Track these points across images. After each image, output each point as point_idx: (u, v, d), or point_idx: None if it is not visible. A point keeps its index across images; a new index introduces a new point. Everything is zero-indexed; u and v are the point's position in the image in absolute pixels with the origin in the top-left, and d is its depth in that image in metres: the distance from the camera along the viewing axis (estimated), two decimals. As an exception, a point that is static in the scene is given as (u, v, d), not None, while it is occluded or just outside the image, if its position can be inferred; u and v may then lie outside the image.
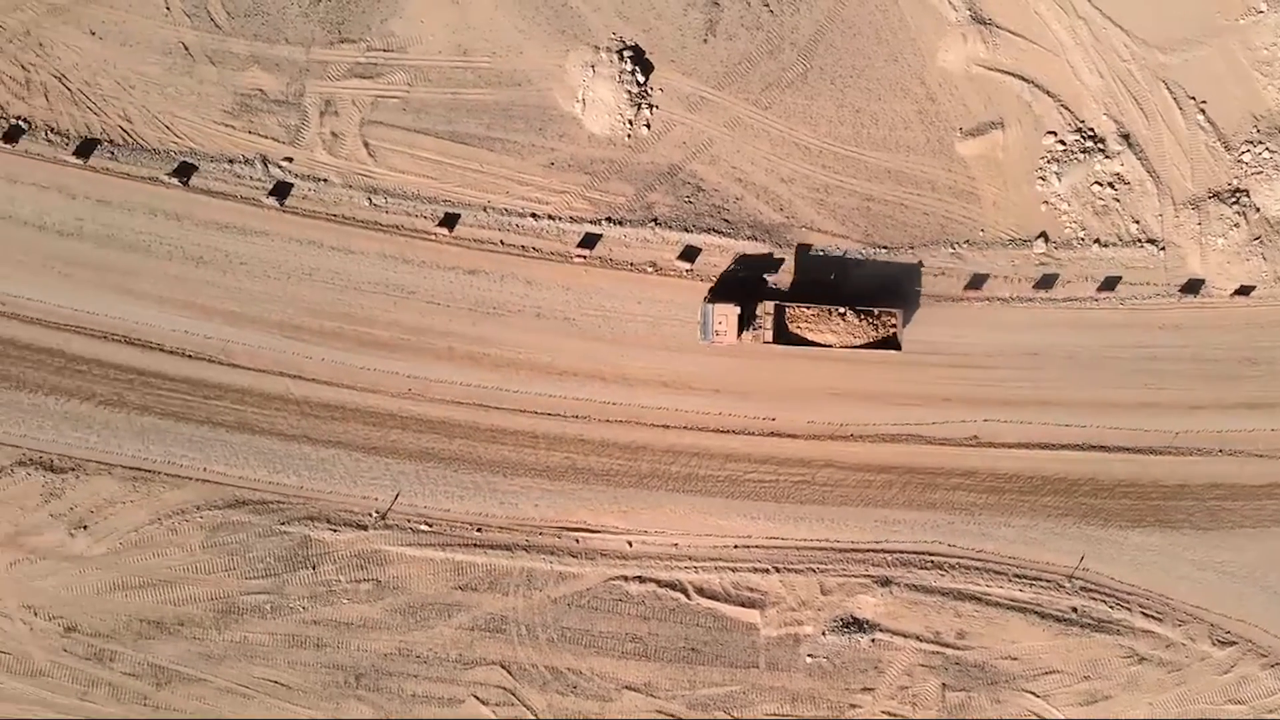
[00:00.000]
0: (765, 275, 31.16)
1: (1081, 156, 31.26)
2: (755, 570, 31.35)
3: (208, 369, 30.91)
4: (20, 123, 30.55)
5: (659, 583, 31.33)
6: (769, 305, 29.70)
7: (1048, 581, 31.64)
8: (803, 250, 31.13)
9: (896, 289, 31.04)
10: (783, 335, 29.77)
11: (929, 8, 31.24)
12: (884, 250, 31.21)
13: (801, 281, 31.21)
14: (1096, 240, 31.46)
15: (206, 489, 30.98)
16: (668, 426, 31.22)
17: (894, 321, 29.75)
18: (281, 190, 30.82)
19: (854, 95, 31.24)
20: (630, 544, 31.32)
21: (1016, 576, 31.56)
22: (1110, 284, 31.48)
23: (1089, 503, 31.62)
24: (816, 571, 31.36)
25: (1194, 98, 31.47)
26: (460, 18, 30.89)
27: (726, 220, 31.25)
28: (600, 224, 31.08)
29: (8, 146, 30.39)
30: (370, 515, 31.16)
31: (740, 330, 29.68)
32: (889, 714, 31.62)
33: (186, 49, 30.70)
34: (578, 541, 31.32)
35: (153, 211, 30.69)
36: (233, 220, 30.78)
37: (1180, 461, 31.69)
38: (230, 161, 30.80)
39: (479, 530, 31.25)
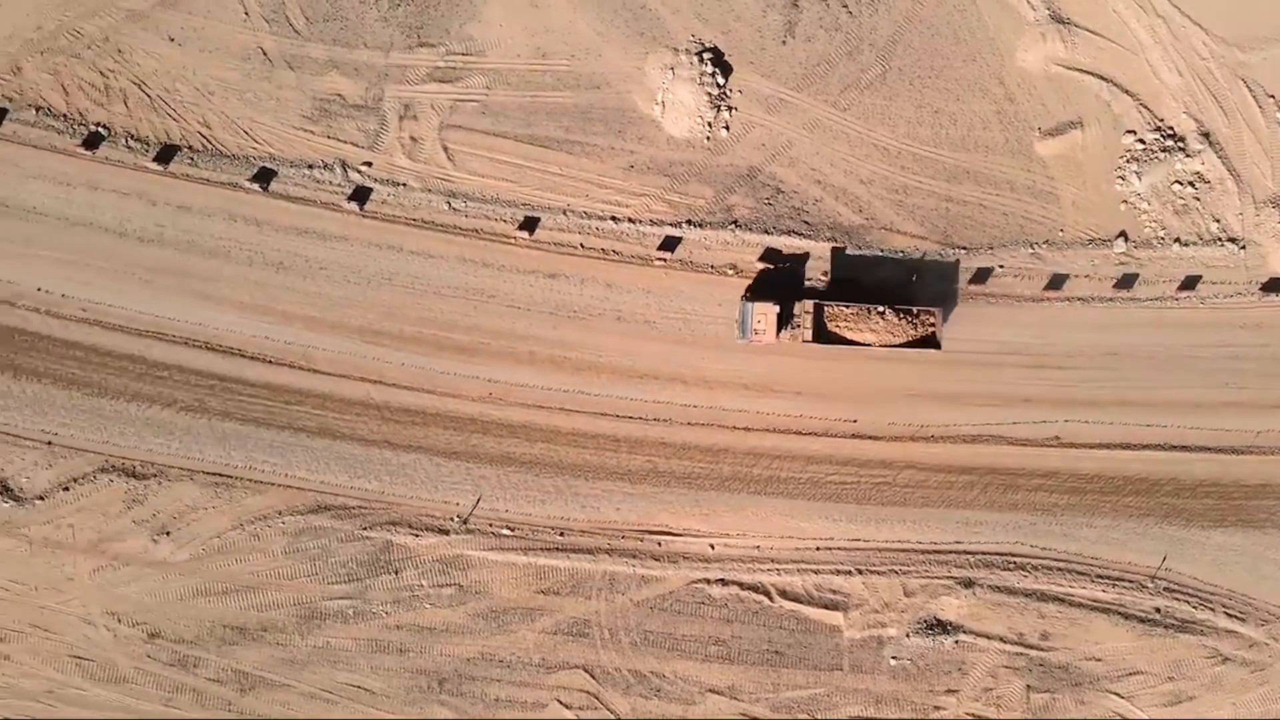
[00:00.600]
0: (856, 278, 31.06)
1: (1161, 155, 31.15)
2: (838, 572, 31.30)
3: (289, 374, 30.92)
4: (100, 129, 30.58)
5: (741, 585, 31.30)
6: (808, 304, 29.72)
7: (1130, 582, 31.55)
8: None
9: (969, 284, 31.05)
10: (822, 334, 29.78)
11: (1007, 7, 31.13)
12: (962, 250, 31.13)
13: (868, 282, 31.09)
14: (1177, 239, 31.36)
15: (288, 494, 31.00)
16: (749, 429, 31.18)
17: (933, 320, 29.74)
18: (361, 195, 30.81)
19: (932, 96, 31.15)
20: (713, 547, 31.28)
21: (1099, 577, 31.48)
22: (1190, 283, 31.37)
23: (1171, 503, 31.52)
24: (899, 573, 31.30)
25: (1273, 95, 31.32)
26: (539, 21, 30.85)
27: (806, 222, 31.19)
28: (680, 226, 31.04)
29: (88, 153, 30.43)
30: (452, 520, 31.14)
31: (779, 329, 29.64)
32: (973, 716, 31.56)
33: (265, 54, 30.69)
34: (660, 545, 31.29)
35: (232, 217, 30.71)
36: (312, 225, 30.79)
37: (1263, 461, 31.56)
38: (309, 166, 30.80)
39: (561, 534, 31.23)
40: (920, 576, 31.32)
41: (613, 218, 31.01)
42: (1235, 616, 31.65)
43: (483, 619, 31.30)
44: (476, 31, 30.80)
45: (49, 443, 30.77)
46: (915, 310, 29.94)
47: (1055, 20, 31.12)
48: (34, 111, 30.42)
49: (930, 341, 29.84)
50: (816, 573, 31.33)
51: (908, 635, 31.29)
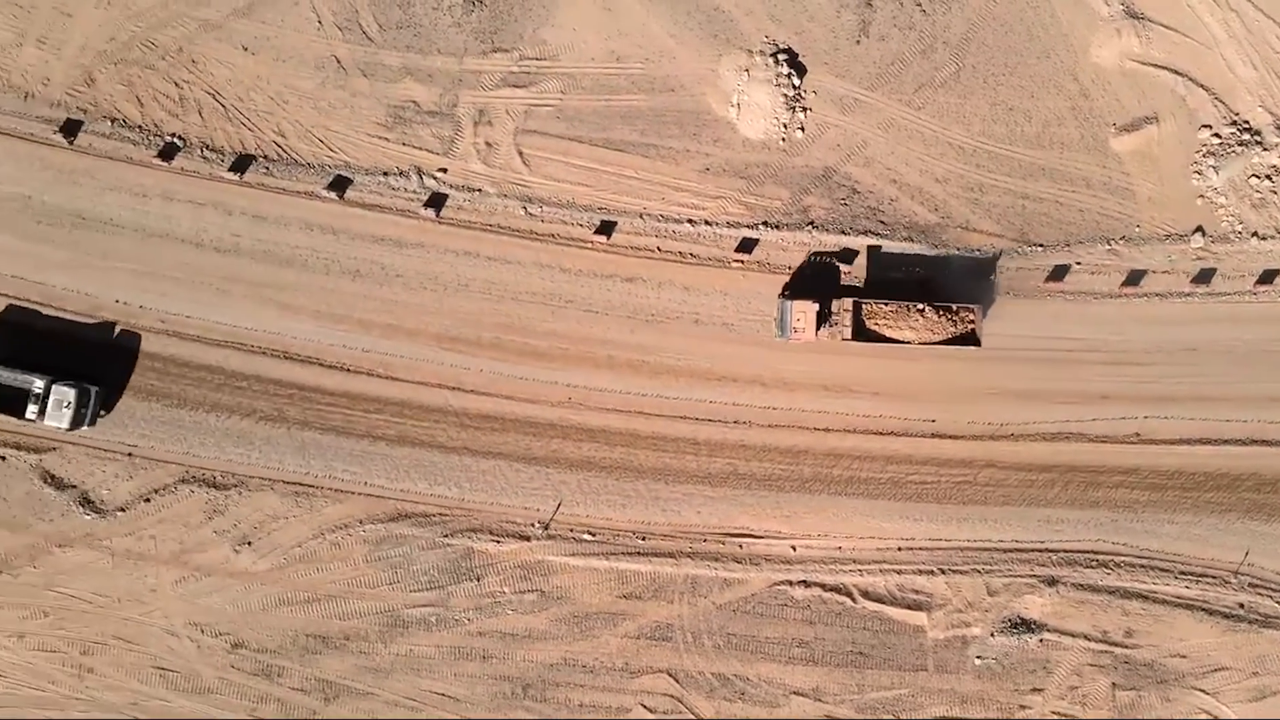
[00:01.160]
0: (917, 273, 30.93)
1: (1238, 149, 31.04)
2: (920, 572, 31.22)
3: (367, 382, 30.88)
4: (175, 140, 30.55)
5: (824, 587, 31.22)
6: (847, 302, 29.60)
7: (1213, 578, 31.45)
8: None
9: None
10: (861, 332, 29.64)
11: (1080, 3, 31.03)
12: (1039, 247, 31.03)
13: (949, 281, 31.03)
14: (1254, 234, 31.24)
15: (368, 503, 30.96)
16: (829, 430, 31.11)
17: (972, 317, 29.62)
18: (436, 201, 30.77)
19: (1007, 93, 31.06)
20: (794, 548, 31.21)
21: (1182, 573, 31.38)
22: (1269, 278, 31.25)
23: (1252, 498, 31.42)
24: (982, 572, 31.21)
25: (1348, 88, 31.27)
26: (612, 24, 30.78)
27: (882, 222, 31.12)
28: (757, 228, 30.97)
29: (163, 164, 30.42)
30: (533, 526, 31.09)
31: (818, 327, 29.56)
32: (1059, 714, 31.45)
33: (339, 62, 30.65)
34: (741, 547, 31.23)
35: (308, 226, 30.67)
36: (388, 233, 30.75)
37: (1344, 454, 31.51)
38: (385, 174, 30.75)
39: (642, 538, 31.16)
40: (1003, 575, 31.22)
41: (689, 220, 30.95)
42: (1319, 611, 31.62)
43: (565, 624, 31.24)
44: (550, 36, 30.74)
45: (129, 454, 30.74)
46: (955, 307, 29.74)
47: (1129, 15, 31.01)
48: (109, 123, 30.40)
49: (970, 338, 29.65)
50: (899, 573, 31.26)
51: (992, 634, 31.20)
